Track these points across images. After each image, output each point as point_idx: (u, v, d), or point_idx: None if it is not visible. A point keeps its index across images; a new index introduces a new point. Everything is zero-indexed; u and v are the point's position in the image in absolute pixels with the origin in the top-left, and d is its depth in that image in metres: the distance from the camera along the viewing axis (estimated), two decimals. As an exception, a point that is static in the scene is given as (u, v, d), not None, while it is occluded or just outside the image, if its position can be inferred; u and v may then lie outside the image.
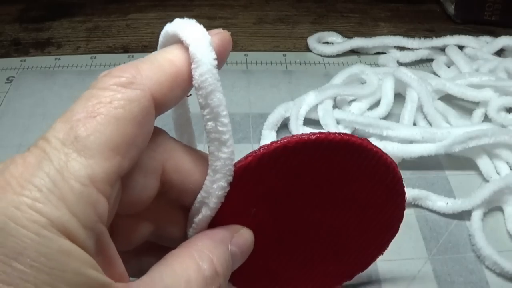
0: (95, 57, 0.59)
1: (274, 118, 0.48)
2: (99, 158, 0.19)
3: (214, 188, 0.24)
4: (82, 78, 0.55)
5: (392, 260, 0.38)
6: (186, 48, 0.22)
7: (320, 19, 0.67)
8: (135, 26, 0.65)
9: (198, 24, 0.22)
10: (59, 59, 0.59)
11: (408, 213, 0.42)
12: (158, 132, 0.24)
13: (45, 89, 0.54)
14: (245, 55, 0.60)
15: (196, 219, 0.25)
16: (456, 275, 0.38)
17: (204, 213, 0.24)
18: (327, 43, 0.62)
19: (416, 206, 0.42)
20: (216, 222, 0.25)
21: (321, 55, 0.60)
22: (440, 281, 0.37)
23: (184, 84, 0.22)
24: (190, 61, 0.22)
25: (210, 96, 0.22)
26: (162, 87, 0.22)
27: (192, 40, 0.22)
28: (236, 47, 0.61)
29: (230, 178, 0.24)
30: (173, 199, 0.25)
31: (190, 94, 0.24)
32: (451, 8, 0.66)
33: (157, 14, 0.66)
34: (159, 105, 0.22)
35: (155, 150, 0.23)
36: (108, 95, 0.20)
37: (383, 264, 0.38)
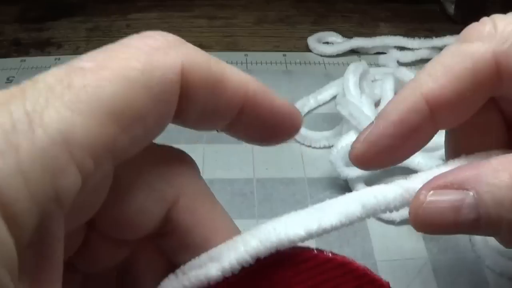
0: (95, 57, 0.59)
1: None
2: (88, 118, 0.14)
3: (235, 258, 0.18)
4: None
5: (392, 260, 0.38)
6: None
7: (320, 19, 0.67)
8: (135, 26, 0.64)
9: None
10: (59, 59, 0.58)
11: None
12: (185, 162, 0.20)
13: (45, 89, 0.54)
14: (245, 55, 0.60)
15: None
16: (456, 275, 0.38)
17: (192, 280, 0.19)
18: (327, 43, 0.62)
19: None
20: None
21: (321, 55, 0.60)
22: (440, 281, 0.37)
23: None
24: None
25: None
26: (199, 67, 0.18)
27: None
28: (236, 47, 0.61)
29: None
30: (165, 246, 0.20)
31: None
32: (451, 8, 0.66)
33: (157, 14, 0.66)
34: (185, 92, 0.17)
35: (174, 177, 0.19)
36: (127, 52, 0.17)
37: (383, 264, 0.38)
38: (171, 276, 0.19)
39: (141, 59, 0.17)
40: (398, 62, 0.58)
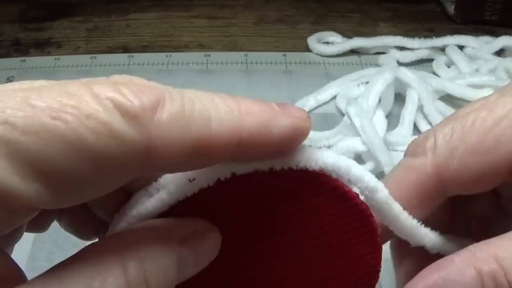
0: (95, 57, 0.59)
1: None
2: (9, 165, 0.14)
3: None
4: (82, 78, 0.55)
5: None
6: None
7: (320, 19, 0.67)
8: (135, 26, 0.65)
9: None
10: (59, 59, 0.59)
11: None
12: None
13: (45, 89, 0.54)
14: (245, 55, 0.60)
15: (139, 208, 0.19)
16: None
17: (153, 203, 0.19)
18: (327, 43, 0.62)
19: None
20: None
21: (321, 55, 0.60)
22: None
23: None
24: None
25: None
26: (172, 143, 0.16)
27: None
28: (236, 47, 0.61)
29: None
30: None
31: (194, 179, 0.20)
32: (451, 8, 0.66)
33: (157, 14, 0.66)
34: (151, 160, 0.16)
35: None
36: (93, 106, 0.15)
37: (383, 264, 0.38)
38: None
39: (101, 123, 0.15)
40: (398, 62, 0.58)
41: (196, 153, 0.16)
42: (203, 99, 0.17)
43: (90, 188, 0.16)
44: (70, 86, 0.16)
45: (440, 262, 0.20)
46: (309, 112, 0.51)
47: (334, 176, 0.20)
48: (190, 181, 0.19)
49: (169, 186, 0.20)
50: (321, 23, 0.66)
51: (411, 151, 0.24)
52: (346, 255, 0.22)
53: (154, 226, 0.19)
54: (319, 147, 0.20)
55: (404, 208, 0.23)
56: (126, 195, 0.21)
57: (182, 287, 0.19)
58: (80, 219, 0.23)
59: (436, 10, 0.69)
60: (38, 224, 0.22)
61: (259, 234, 0.22)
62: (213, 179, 0.19)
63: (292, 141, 0.19)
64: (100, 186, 0.16)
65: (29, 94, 0.15)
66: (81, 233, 0.23)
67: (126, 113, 0.15)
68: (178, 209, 0.19)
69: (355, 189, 0.21)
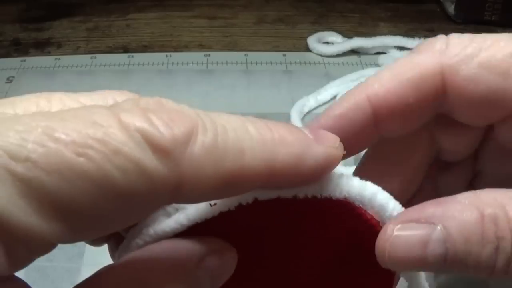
0: (95, 57, 0.59)
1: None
2: (29, 205, 0.13)
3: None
4: (82, 78, 0.55)
5: (392, 260, 0.38)
6: None
7: (320, 19, 0.67)
8: (135, 26, 0.65)
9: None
10: (59, 59, 0.59)
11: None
12: None
13: (45, 89, 0.53)
14: (245, 55, 0.60)
15: (156, 228, 0.19)
16: (456, 275, 0.38)
17: (171, 224, 0.19)
18: (327, 43, 0.62)
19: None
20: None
21: (321, 55, 0.60)
22: (440, 281, 0.37)
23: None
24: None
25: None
26: (204, 179, 0.15)
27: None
28: (236, 47, 0.61)
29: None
30: None
31: (215, 203, 0.19)
32: (451, 8, 0.66)
33: (157, 14, 0.66)
34: (180, 194, 0.15)
35: None
36: (121, 139, 0.14)
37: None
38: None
39: (132, 161, 0.14)
40: (398, 62, 0.58)
41: (226, 185, 0.16)
42: (235, 126, 0.16)
43: (113, 224, 0.15)
44: (96, 114, 0.14)
45: (440, 198, 0.19)
46: (309, 112, 0.51)
47: (357, 204, 0.20)
48: (211, 205, 0.19)
49: (189, 210, 0.19)
50: (321, 23, 0.66)
51: (415, 50, 0.22)
52: (365, 281, 0.22)
53: (172, 249, 0.18)
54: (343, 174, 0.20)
55: (396, 105, 0.21)
56: None
57: None
58: None
59: (436, 10, 0.69)
60: None
61: (276, 257, 0.22)
62: (234, 204, 0.19)
63: (323, 170, 0.18)
64: (123, 221, 0.15)
65: (52, 124, 0.14)
66: (92, 240, 0.22)
67: (157, 147, 0.14)
68: (195, 229, 0.19)
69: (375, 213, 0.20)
